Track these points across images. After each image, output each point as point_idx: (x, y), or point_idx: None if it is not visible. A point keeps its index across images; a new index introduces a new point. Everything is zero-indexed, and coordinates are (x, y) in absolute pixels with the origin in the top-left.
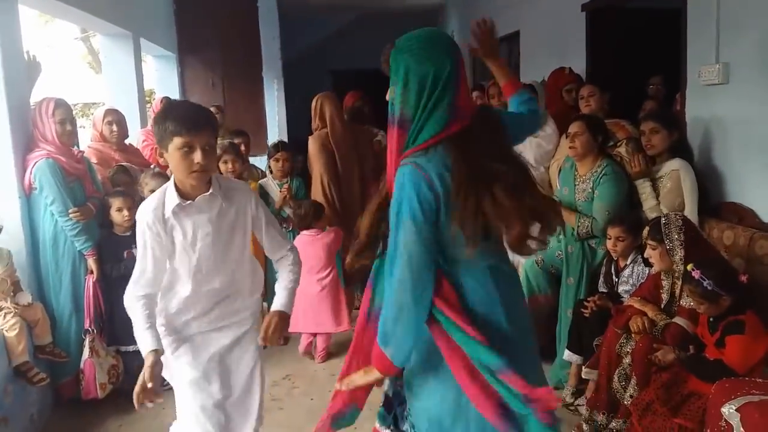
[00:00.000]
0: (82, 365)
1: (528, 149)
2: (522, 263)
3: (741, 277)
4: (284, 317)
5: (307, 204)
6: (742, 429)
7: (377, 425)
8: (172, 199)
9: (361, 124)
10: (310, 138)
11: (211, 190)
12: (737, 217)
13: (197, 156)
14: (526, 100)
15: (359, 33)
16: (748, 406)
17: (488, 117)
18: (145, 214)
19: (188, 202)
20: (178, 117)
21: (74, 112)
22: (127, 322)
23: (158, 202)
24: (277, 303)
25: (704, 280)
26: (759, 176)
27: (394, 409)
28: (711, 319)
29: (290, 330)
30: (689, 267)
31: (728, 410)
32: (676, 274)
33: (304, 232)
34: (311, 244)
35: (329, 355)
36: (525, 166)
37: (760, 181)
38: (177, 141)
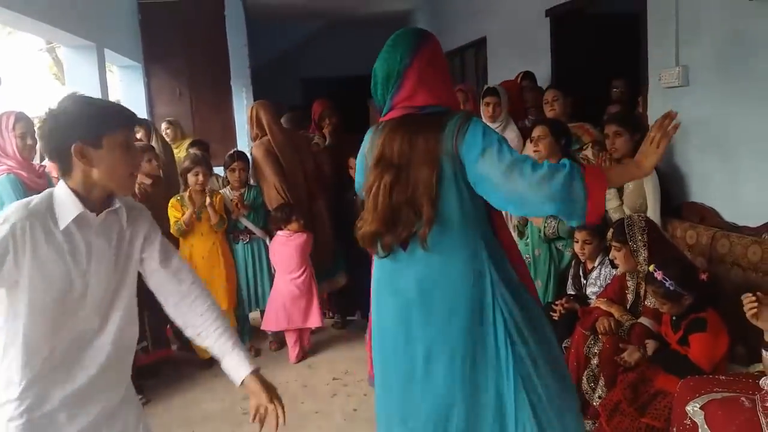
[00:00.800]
0: None
1: None
2: None
3: (701, 276)
4: (263, 381)
5: (282, 206)
6: (706, 426)
7: None
8: (71, 206)
9: (299, 128)
10: (253, 147)
11: (117, 204)
12: (699, 216)
13: (137, 155)
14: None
15: (329, 41)
16: (712, 404)
17: (405, 119)
18: (15, 214)
19: (93, 214)
20: (116, 109)
21: (38, 125)
22: None
23: (43, 207)
24: (240, 365)
25: (666, 281)
26: (719, 176)
27: None
28: (674, 318)
29: (265, 328)
30: (651, 268)
31: (692, 408)
32: (641, 275)
33: (279, 233)
34: (285, 245)
35: (305, 355)
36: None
37: (720, 180)
38: (120, 135)
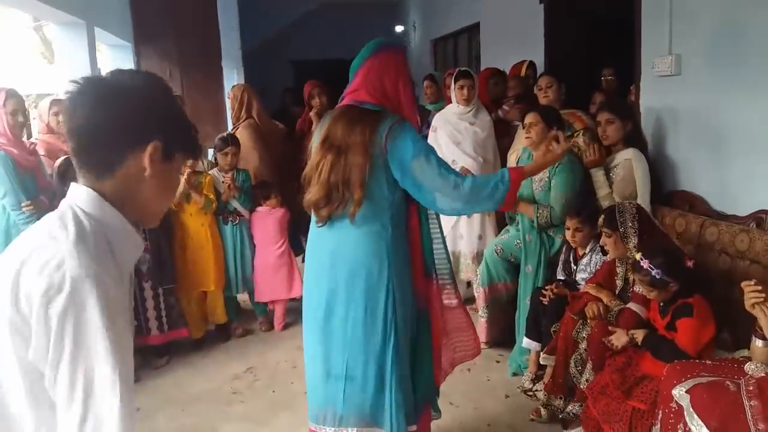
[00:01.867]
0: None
1: (466, 137)
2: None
3: (688, 263)
4: None
5: (262, 183)
6: (692, 410)
7: None
8: (132, 241)
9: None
10: (241, 128)
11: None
12: (688, 204)
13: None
14: None
15: (321, 23)
16: (698, 388)
17: (349, 109)
18: (92, 266)
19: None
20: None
21: (27, 104)
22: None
23: (104, 249)
24: None
25: (652, 269)
26: (709, 165)
27: None
28: (661, 304)
29: (258, 299)
30: (638, 256)
31: (678, 392)
32: (630, 261)
33: (259, 208)
34: (265, 218)
35: (287, 324)
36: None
37: (710, 169)
38: (189, 158)
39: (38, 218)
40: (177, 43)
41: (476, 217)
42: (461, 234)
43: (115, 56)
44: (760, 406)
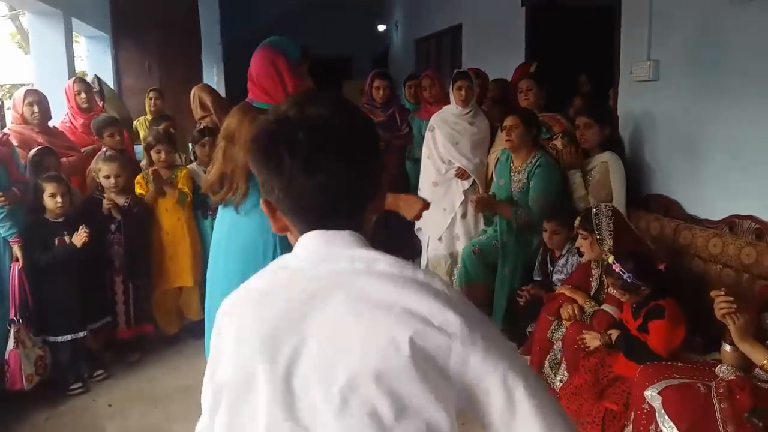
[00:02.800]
0: (6, 356)
1: (464, 138)
2: (460, 253)
3: (659, 266)
4: None
5: None
6: (663, 412)
7: None
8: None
9: None
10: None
11: None
12: (664, 208)
13: None
14: None
15: (303, 20)
16: (669, 390)
17: (243, 106)
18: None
19: None
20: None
21: (1, 94)
22: (56, 312)
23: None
24: None
25: (624, 273)
26: (684, 170)
27: None
28: (634, 306)
29: None
30: (610, 260)
31: (651, 394)
32: (605, 263)
33: None
34: None
35: None
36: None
37: (685, 174)
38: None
39: (10, 211)
40: (156, 35)
41: (471, 217)
42: (457, 235)
43: (93, 47)
44: (730, 408)
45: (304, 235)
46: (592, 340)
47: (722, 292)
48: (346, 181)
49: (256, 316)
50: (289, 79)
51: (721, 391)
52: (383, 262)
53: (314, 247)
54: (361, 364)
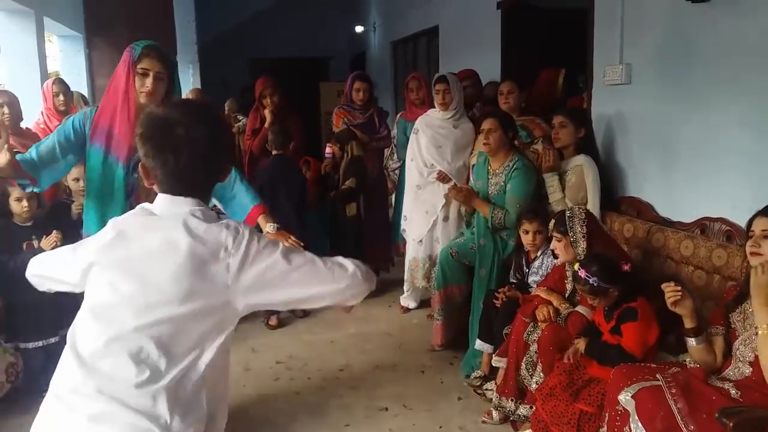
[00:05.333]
0: None
1: (448, 141)
2: (437, 255)
3: (624, 267)
4: None
5: None
6: (636, 417)
7: None
8: None
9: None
10: None
11: None
12: (636, 210)
13: None
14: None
15: (279, 21)
16: (643, 393)
17: None
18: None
19: None
20: None
21: None
22: (28, 318)
23: None
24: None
25: (590, 278)
26: (656, 172)
27: None
28: (606, 308)
29: None
30: (575, 267)
31: (624, 397)
32: (573, 270)
33: None
34: None
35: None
36: None
37: (657, 177)
38: None
39: None
40: (130, 34)
41: (452, 221)
42: (437, 238)
43: (66, 47)
44: (687, 407)
45: (159, 195)
46: (575, 354)
47: (672, 284)
48: (181, 165)
49: (119, 230)
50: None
51: (674, 391)
52: (199, 212)
53: (161, 202)
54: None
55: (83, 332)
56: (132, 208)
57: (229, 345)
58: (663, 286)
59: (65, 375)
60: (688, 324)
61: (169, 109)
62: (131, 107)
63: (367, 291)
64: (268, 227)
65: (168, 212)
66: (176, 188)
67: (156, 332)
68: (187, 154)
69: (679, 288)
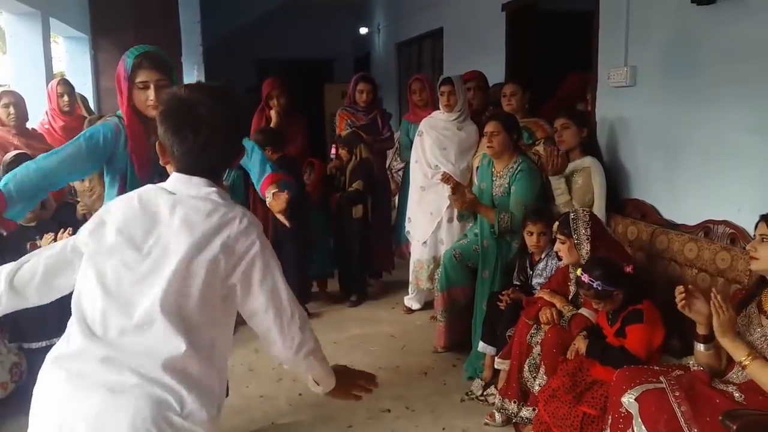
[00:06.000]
0: None
1: (452, 143)
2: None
3: (626, 269)
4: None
5: None
6: (639, 419)
7: None
8: None
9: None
10: None
11: None
12: (640, 213)
13: None
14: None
15: (285, 22)
16: (646, 396)
17: None
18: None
19: None
20: None
21: None
22: (32, 318)
23: None
24: None
25: (593, 282)
26: (660, 175)
27: None
28: (610, 312)
29: None
30: (578, 272)
31: (628, 400)
32: (576, 277)
33: None
34: None
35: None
36: None
37: (661, 179)
38: None
39: None
40: (136, 35)
41: (456, 223)
42: (441, 239)
43: (72, 48)
44: (690, 410)
45: (173, 173)
46: (580, 345)
47: (683, 288)
48: (200, 143)
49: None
50: (117, 84)
51: (677, 394)
52: (215, 194)
53: (175, 181)
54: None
55: (96, 306)
56: None
57: (231, 334)
58: (676, 290)
59: (74, 346)
60: (702, 331)
61: (192, 90)
62: (134, 122)
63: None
64: (270, 188)
65: (183, 190)
66: (192, 167)
67: (175, 309)
68: (206, 133)
69: (686, 291)
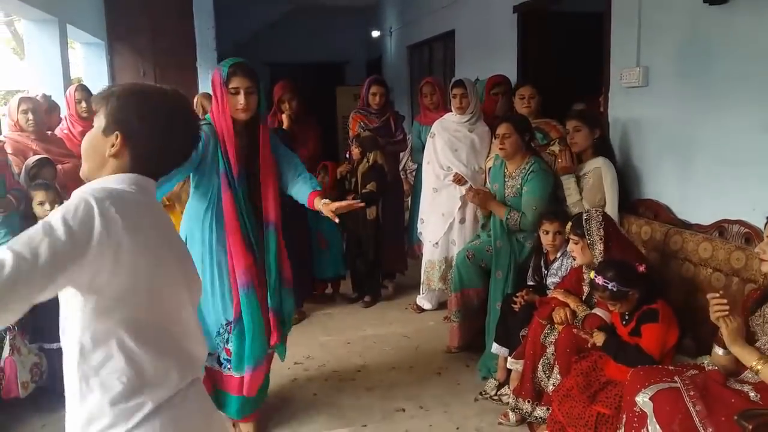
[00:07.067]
0: (1, 363)
1: (464, 145)
2: (453, 258)
3: (639, 268)
4: None
5: None
6: (654, 419)
7: None
8: None
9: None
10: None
11: None
12: (653, 213)
13: None
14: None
15: (297, 26)
16: (660, 395)
17: None
18: None
19: None
20: None
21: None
22: (52, 318)
23: None
24: None
25: (608, 284)
26: (674, 175)
27: None
28: (626, 313)
29: None
30: (591, 275)
31: (642, 399)
32: (590, 280)
33: None
34: None
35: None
36: None
37: (674, 179)
38: None
39: (5, 218)
40: (151, 42)
41: (469, 223)
42: (453, 240)
43: (88, 53)
44: (705, 409)
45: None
46: (597, 338)
47: (717, 295)
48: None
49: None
50: (215, 96)
51: (692, 393)
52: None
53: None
54: None
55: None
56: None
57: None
58: (709, 296)
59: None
60: (727, 339)
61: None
62: (229, 125)
63: None
64: (322, 202)
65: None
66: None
67: None
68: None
69: (725, 301)
